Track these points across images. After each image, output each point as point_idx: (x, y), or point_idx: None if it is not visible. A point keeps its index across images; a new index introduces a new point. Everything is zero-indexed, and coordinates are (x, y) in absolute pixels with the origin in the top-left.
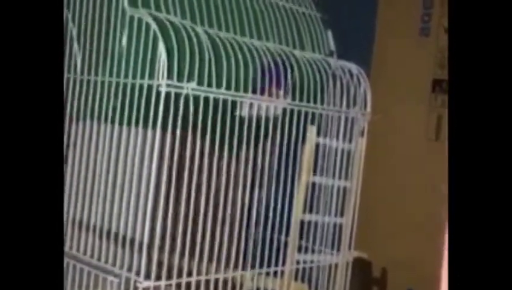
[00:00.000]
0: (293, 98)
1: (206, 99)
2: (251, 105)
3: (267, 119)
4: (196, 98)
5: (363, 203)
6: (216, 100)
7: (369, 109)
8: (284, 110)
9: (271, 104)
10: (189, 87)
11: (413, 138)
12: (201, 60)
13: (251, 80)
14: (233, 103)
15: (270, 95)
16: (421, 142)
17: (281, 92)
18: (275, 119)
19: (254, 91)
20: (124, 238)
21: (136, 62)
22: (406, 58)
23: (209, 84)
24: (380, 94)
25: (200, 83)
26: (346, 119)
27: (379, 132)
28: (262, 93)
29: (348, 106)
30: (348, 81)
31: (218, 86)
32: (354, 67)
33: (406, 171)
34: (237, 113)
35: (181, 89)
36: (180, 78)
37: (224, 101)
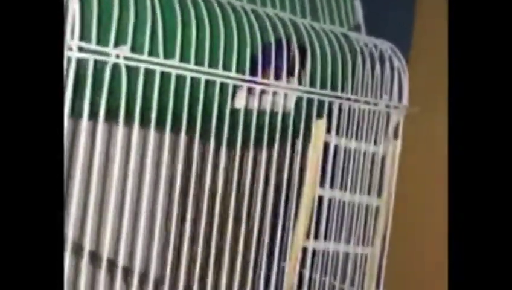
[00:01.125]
0: (300, 82)
1: (156, 74)
2: (249, 92)
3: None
4: (132, 71)
5: (398, 228)
6: (165, 76)
7: (405, 100)
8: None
9: (275, 91)
10: (120, 55)
11: None
12: (139, 17)
13: (245, 57)
14: (195, 81)
15: (276, 77)
16: None
17: (291, 76)
18: (285, 113)
19: (248, 72)
20: None
21: None
22: None
23: (152, 53)
24: (420, 80)
25: (136, 49)
26: (374, 113)
27: (418, 131)
28: (260, 75)
29: (376, 95)
30: (377, 63)
31: (169, 55)
32: (386, 46)
33: None
34: (231, 103)
35: (106, 56)
36: (103, 41)
37: (179, 78)
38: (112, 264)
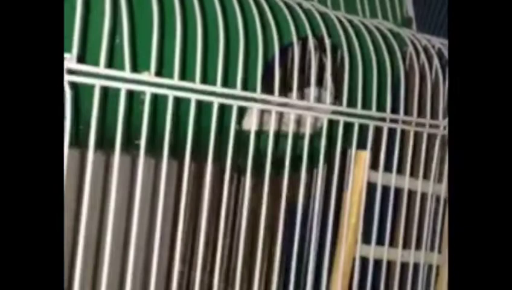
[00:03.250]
0: (335, 100)
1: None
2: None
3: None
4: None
5: None
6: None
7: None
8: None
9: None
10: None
11: None
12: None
13: (255, 65)
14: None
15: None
16: None
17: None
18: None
19: (267, 87)
20: None
21: None
22: None
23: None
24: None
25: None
26: (431, 137)
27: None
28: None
29: (434, 113)
30: (436, 67)
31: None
32: (445, 46)
33: None
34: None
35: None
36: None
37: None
38: None
